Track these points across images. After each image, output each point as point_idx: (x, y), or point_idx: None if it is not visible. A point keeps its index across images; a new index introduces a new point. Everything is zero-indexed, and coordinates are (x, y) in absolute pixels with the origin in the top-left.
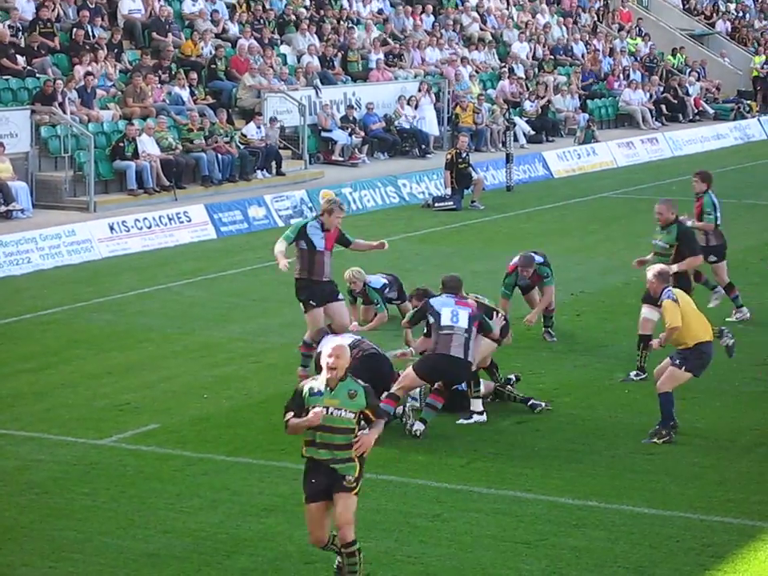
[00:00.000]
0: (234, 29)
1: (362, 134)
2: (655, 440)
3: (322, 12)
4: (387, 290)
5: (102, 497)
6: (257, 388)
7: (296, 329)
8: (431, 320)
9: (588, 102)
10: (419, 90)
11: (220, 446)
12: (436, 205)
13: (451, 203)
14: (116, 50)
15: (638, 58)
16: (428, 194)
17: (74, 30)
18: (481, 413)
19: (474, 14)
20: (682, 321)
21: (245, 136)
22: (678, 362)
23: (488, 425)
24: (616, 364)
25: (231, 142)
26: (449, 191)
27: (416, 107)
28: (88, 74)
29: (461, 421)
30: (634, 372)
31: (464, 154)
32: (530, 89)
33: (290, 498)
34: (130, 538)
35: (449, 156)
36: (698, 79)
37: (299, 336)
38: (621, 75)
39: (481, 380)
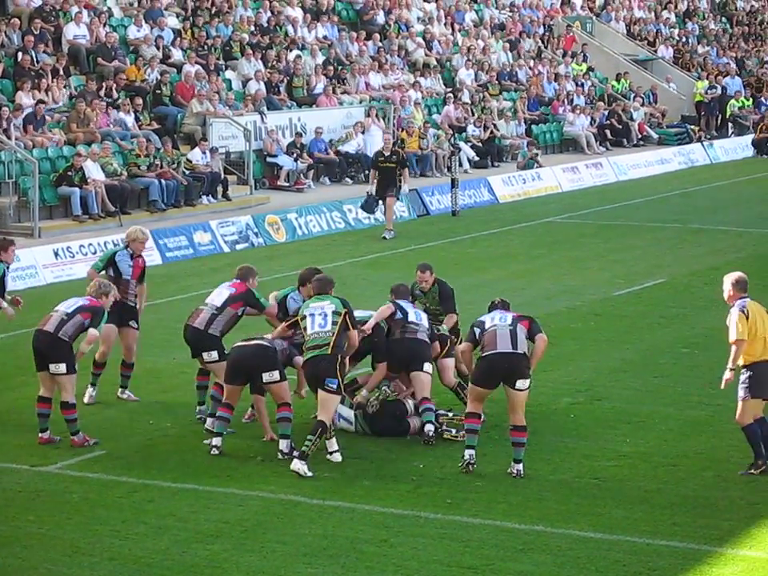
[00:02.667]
0: (177, 54)
1: (309, 159)
2: (752, 471)
3: (267, 38)
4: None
5: (48, 524)
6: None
7: None
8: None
9: (533, 127)
10: (367, 116)
11: (166, 473)
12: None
13: (362, 201)
14: (61, 76)
15: (580, 84)
16: (373, 219)
17: (19, 55)
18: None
19: (420, 39)
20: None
21: (190, 161)
22: (741, 394)
23: (434, 450)
24: (561, 389)
25: (177, 168)
26: (372, 189)
27: (363, 132)
28: (40, 101)
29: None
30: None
31: (387, 153)
32: (475, 114)
33: (237, 525)
34: (76, 565)
35: (373, 156)
36: (643, 104)
37: None
38: (565, 100)
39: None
